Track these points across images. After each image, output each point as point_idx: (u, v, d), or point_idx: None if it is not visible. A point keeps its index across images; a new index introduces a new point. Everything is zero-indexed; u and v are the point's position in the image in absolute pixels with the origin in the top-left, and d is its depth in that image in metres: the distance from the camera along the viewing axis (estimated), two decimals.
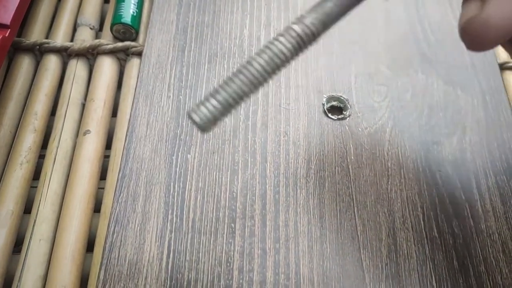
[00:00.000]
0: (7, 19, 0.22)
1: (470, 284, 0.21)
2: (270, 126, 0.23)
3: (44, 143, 0.24)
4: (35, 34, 0.27)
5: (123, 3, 0.26)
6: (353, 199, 0.22)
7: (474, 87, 0.27)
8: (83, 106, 0.25)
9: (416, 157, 0.24)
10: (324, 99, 0.25)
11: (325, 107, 0.24)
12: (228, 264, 0.20)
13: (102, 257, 0.19)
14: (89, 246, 0.21)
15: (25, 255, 0.20)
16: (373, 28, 0.28)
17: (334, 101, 0.25)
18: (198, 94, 0.24)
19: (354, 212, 0.22)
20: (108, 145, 0.24)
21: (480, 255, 0.22)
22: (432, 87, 0.26)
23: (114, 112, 0.25)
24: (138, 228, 0.20)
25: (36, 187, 0.22)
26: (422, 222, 0.22)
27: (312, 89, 0.25)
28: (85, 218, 0.21)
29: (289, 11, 0.28)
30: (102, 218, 0.21)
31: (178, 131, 0.22)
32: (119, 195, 0.21)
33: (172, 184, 0.21)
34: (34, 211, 0.21)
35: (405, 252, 0.21)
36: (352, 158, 0.23)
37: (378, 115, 0.25)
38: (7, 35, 0.22)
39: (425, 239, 0.22)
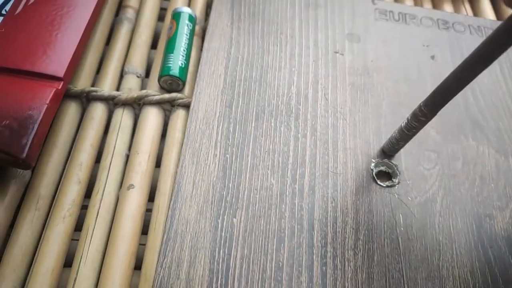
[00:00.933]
0: (61, 72, 0.22)
1: None
2: (317, 191, 0.23)
3: (87, 194, 0.24)
4: (82, 81, 0.27)
5: (171, 54, 0.26)
6: (403, 276, 0.21)
7: None
8: (127, 157, 0.25)
9: (468, 230, 0.23)
10: (373, 164, 0.24)
11: (373, 173, 0.24)
12: None
13: None
14: None
15: None
16: (422, 91, 0.27)
17: (383, 166, 0.24)
18: (245, 153, 0.23)
19: None
20: (150, 198, 0.24)
21: None
22: (484, 155, 0.25)
23: (157, 164, 0.25)
24: None
25: (77, 240, 0.22)
26: None
27: (360, 153, 0.24)
28: (125, 278, 0.21)
29: (337, 69, 0.27)
30: (143, 279, 0.21)
31: (224, 193, 0.22)
32: (163, 260, 0.20)
33: (217, 249, 0.20)
34: (74, 268, 0.21)
35: None
36: (402, 229, 0.22)
37: (428, 183, 0.24)
38: (60, 87, 0.22)
39: None
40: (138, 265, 0.22)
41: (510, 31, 0.16)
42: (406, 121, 0.22)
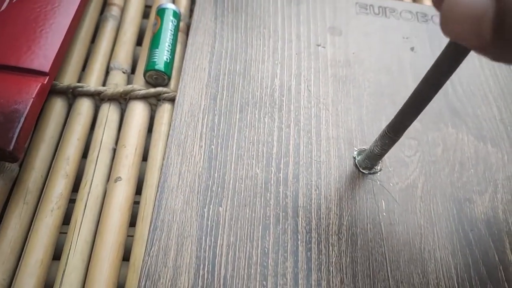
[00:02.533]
0: (46, 66, 0.23)
1: None
2: (301, 179, 0.23)
3: (75, 187, 0.24)
4: (68, 77, 0.27)
5: (156, 49, 0.27)
6: (386, 259, 0.22)
7: (504, 142, 0.26)
8: (114, 151, 0.25)
9: (449, 215, 0.23)
10: (355, 152, 0.24)
11: (356, 160, 0.24)
12: None
13: None
14: None
15: None
16: (403, 81, 0.28)
17: (365, 154, 0.25)
18: (230, 144, 0.24)
19: (388, 273, 0.21)
20: (138, 191, 0.24)
21: None
22: (463, 142, 0.26)
23: (144, 157, 0.25)
24: (169, 284, 0.20)
25: (65, 233, 0.22)
26: (456, 285, 0.22)
27: (343, 141, 0.25)
28: (114, 268, 0.21)
29: (319, 61, 0.28)
30: (131, 269, 0.21)
31: (210, 183, 0.22)
32: (151, 249, 0.20)
33: (203, 237, 0.21)
34: (63, 259, 0.21)
35: None
36: (384, 214, 0.23)
37: (409, 170, 0.25)
38: (45, 82, 0.22)
39: None
40: (126, 256, 0.22)
41: (451, 58, 0.17)
42: (375, 143, 0.22)
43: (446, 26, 0.14)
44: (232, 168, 0.23)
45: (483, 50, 0.14)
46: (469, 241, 0.23)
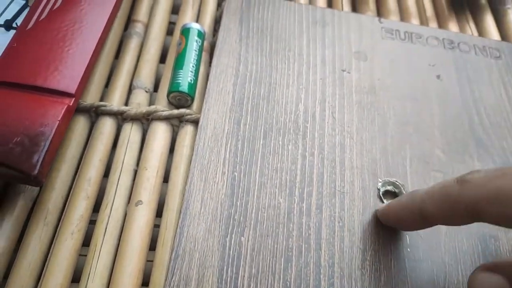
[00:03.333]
0: (72, 88, 0.22)
1: None
2: (324, 210, 0.23)
3: (95, 208, 0.24)
4: (91, 95, 0.27)
5: (181, 70, 0.27)
6: None
7: None
8: (135, 172, 0.25)
9: (474, 252, 0.23)
10: (380, 184, 0.24)
11: (380, 192, 0.24)
12: None
13: None
14: None
15: None
16: (428, 109, 0.28)
17: (389, 185, 0.24)
18: (253, 171, 0.23)
19: None
20: (158, 214, 0.24)
21: None
22: None
23: (165, 179, 0.25)
24: None
25: (85, 255, 0.22)
26: None
27: (367, 172, 0.24)
28: None
29: (344, 86, 0.28)
30: None
31: (232, 211, 0.22)
32: (171, 278, 0.20)
33: (225, 268, 0.21)
34: (82, 283, 0.21)
35: None
36: (408, 250, 0.22)
37: None
38: (71, 104, 0.22)
39: None
40: (145, 282, 0.22)
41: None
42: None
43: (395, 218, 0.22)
44: (255, 196, 0.23)
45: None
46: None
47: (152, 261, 0.22)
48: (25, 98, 0.22)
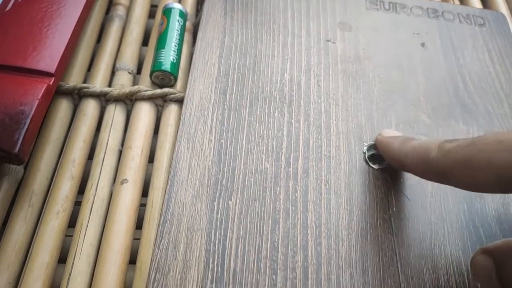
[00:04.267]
0: (52, 67, 0.23)
1: None
2: (311, 174, 0.23)
3: (80, 190, 0.24)
4: (74, 78, 0.27)
5: (163, 50, 0.27)
6: (396, 254, 0.21)
7: None
8: (120, 152, 0.25)
9: (459, 211, 0.23)
10: (365, 148, 0.24)
11: (366, 156, 0.24)
12: None
13: None
14: None
15: None
16: (413, 76, 0.28)
17: (375, 149, 0.25)
18: (239, 138, 0.24)
19: (398, 268, 0.21)
20: (144, 193, 0.24)
21: None
22: None
23: (150, 159, 0.25)
24: (179, 277, 0.20)
25: (71, 236, 0.22)
26: (466, 281, 0.21)
27: (353, 137, 0.25)
28: (120, 272, 0.21)
29: (329, 56, 0.28)
30: (138, 273, 0.21)
31: (219, 176, 0.22)
32: (160, 241, 0.20)
33: (213, 231, 0.21)
34: (69, 263, 0.21)
35: None
36: (395, 210, 0.23)
37: None
38: (51, 83, 0.22)
39: None
40: (133, 259, 0.22)
41: None
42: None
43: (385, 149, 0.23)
44: (242, 162, 0.23)
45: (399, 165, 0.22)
46: (480, 238, 0.23)
47: (138, 239, 0.22)
48: (5, 78, 0.22)
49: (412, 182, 0.24)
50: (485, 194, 0.24)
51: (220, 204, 0.22)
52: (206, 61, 0.26)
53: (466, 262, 0.22)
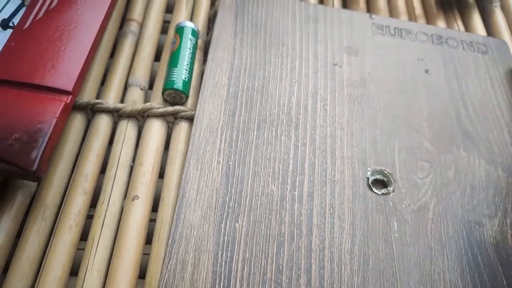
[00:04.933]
0: (69, 85, 0.23)
1: None
2: (316, 197, 0.24)
3: (92, 204, 0.24)
4: (87, 93, 0.27)
5: (175, 68, 0.27)
6: (397, 280, 0.22)
7: None
8: (131, 168, 0.25)
9: (459, 237, 0.24)
10: (369, 172, 0.25)
11: (369, 181, 0.25)
12: None
13: None
14: None
15: None
16: (416, 102, 0.29)
17: (378, 174, 0.25)
18: (247, 160, 0.24)
19: None
20: (154, 208, 0.24)
21: None
22: (474, 165, 0.27)
23: (160, 175, 0.26)
24: None
25: (83, 249, 0.23)
26: None
27: (357, 161, 0.25)
28: (130, 287, 0.21)
29: (335, 80, 0.29)
30: (147, 287, 0.21)
31: (227, 198, 0.23)
32: (168, 262, 0.21)
33: (220, 252, 0.21)
34: (81, 276, 0.21)
35: None
36: (396, 235, 0.23)
37: (421, 191, 0.25)
38: (68, 101, 0.23)
39: None
40: (142, 274, 0.22)
41: None
42: None
43: None
44: (249, 185, 0.24)
45: None
46: (478, 264, 0.23)
47: (148, 254, 0.23)
48: (23, 96, 0.23)
49: (414, 208, 0.24)
50: (483, 221, 0.25)
51: (227, 226, 0.22)
52: (216, 82, 0.27)
53: (463, 284, 0.23)
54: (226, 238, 0.22)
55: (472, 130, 0.28)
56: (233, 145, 0.25)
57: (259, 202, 0.23)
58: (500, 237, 0.24)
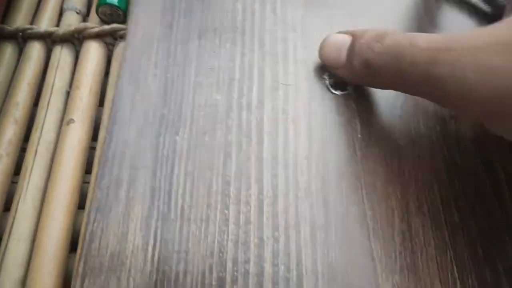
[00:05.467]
0: None
1: (498, 273, 0.18)
2: (266, 103, 0.21)
3: (26, 136, 0.22)
4: (19, 21, 0.25)
5: None
6: (361, 181, 0.20)
7: None
8: (68, 94, 0.23)
9: (431, 133, 0.21)
10: (327, 73, 0.22)
11: (327, 82, 0.22)
12: (221, 254, 0.18)
13: (81, 248, 0.17)
14: (73, 245, 0.19)
15: (2, 257, 0.18)
16: None
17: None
18: (187, 71, 0.22)
19: (363, 195, 0.19)
20: (95, 136, 0.22)
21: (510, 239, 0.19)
22: None
23: (101, 101, 0.24)
24: (122, 216, 0.18)
25: (16, 182, 0.21)
26: (440, 206, 0.20)
27: (313, 63, 0.23)
28: (68, 215, 0.19)
29: None
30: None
31: (165, 111, 0.21)
32: (101, 181, 0.19)
33: (159, 168, 0.19)
34: (13, 208, 0.20)
35: (422, 239, 0.19)
36: (359, 136, 0.21)
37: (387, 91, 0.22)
38: None
39: (444, 224, 0.19)
40: (83, 205, 0.21)
41: None
42: None
43: (320, 52, 0.22)
44: (191, 96, 0.21)
45: (338, 69, 0.21)
46: (455, 160, 0.21)
47: (88, 182, 0.21)
48: None
49: (379, 106, 0.22)
50: (459, 115, 0.22)
51: (166, 140, 0.20)
52: None
53: (439, 186, 0.20)
54: (165, 152, 0.20)
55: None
56: (172, 57, 0.22)
57: (202, 113, 0.21)
58: (479, 128, 0.22)
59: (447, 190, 0.20)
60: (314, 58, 0.23)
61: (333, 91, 0.22)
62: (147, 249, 0.18)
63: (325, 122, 0.21)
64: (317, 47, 0.22)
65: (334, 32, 0.21)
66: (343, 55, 0.20)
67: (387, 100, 0.22)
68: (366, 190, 0.19)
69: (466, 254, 0.19)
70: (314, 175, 0.20)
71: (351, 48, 0.20)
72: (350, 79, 0.21)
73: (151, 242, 0.18)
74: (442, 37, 0.17)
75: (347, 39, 0.20)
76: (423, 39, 0.17)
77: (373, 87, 0.22)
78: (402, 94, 0.22)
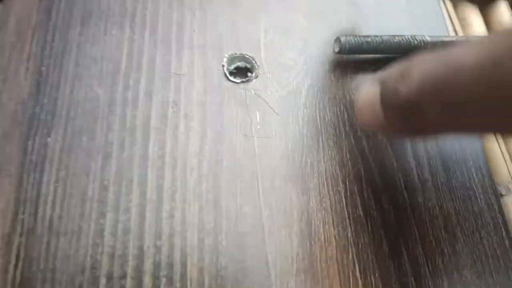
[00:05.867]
0: None
1: (403, 270, 0.17)
2: (154, 96, 0.19)
3: None
4: None
5: None
6: (257, 178, 0.18)
7: None
8: None
9: (338, 120, 0.20)
10: (225, 60, 0.20)
11: (225, 69, 0.20)
12: (93, 270, 0.16)
13: None
14: None
15: None
16: None
17: (239, 61, 0.20)
18: (65, 64, 0.19)
19: (259, 194, 0.18)
20: None
21: (417, 234, 0.18)
22: None
23: None
24: None
25: None
26: (343, 200, 0.18)
27: (211, 49, 0.20)
28: None
29: None
30: None
31: (37, 110, 0.18)
32: None
33: (25, 175, 0.17)
34: None
35: (322, 238, 0.17)
36: (259, 127, 0.19)
37: (292, 74, 0.20)
38: None
39: (347, 219, 0.18)
40: None
41: None
42: None
43: (359, 117, 0.17)
44: (67, 90, 0.19)
45: (381, 127, 0.16)
46: (362, 149, 0.19)
47: None
48: None
49: (281, 93, 0.20)
50: None
51: (36, 143, 0.18)
52: None
53: (344, 178, 0.18)
54: (33, 157, 0.17)
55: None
56: (48, 48, 0.20)
57: (80, 110, 0.18)
58: None
59: (352, 182, 0.18)
60: (212, 43, 0.21)
61: (232, 78, 0.20)
62: (7, 270, 0.15)
63: (221, 114, 0.19)
64: (218, 31, 0.20)
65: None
66: (379, 113, 0.15)
67: (291, 87, 0.20)
68: (263, 187, 0.18)
69: (370, 251, 0.17)
70: (205, 174, 0.18)
71: (384, 100, 0.15)
72: (406, 136, 0.18)
73: (13, 261, 0.16)
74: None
75: (377, 90, 0.15)
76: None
77: (435, 135, 0.17)
78: (308, 77, 0.20)
